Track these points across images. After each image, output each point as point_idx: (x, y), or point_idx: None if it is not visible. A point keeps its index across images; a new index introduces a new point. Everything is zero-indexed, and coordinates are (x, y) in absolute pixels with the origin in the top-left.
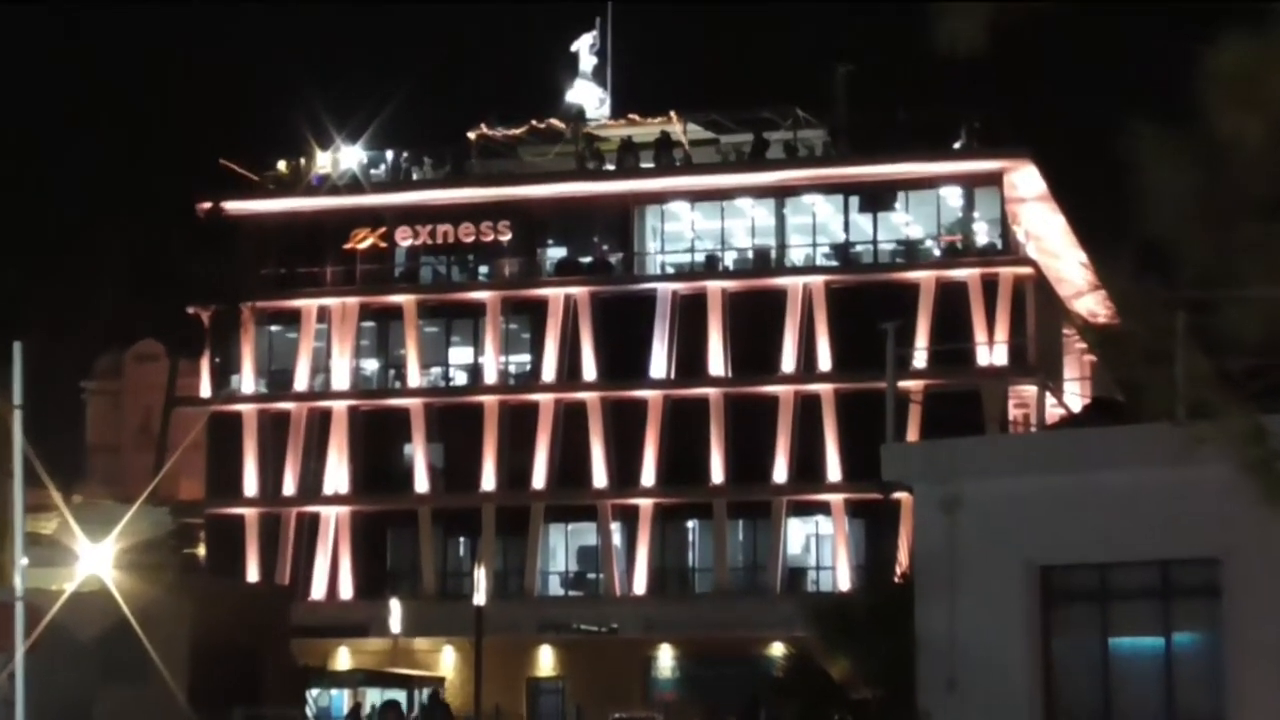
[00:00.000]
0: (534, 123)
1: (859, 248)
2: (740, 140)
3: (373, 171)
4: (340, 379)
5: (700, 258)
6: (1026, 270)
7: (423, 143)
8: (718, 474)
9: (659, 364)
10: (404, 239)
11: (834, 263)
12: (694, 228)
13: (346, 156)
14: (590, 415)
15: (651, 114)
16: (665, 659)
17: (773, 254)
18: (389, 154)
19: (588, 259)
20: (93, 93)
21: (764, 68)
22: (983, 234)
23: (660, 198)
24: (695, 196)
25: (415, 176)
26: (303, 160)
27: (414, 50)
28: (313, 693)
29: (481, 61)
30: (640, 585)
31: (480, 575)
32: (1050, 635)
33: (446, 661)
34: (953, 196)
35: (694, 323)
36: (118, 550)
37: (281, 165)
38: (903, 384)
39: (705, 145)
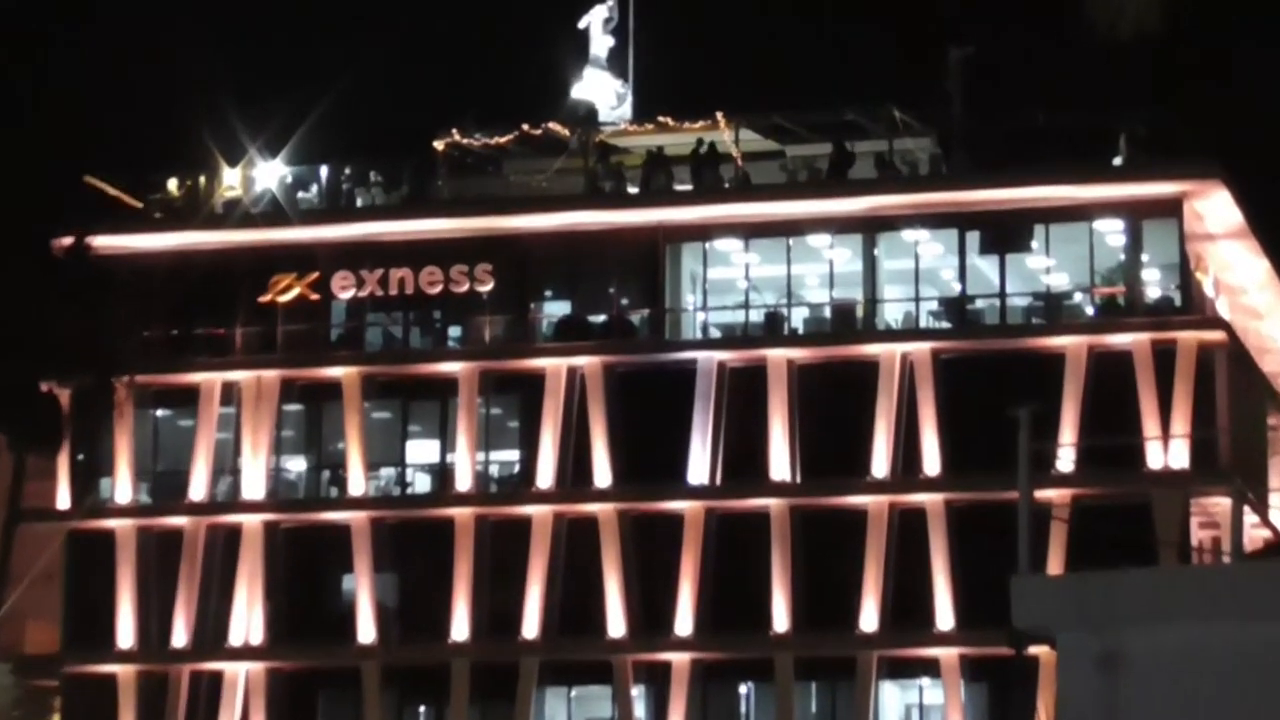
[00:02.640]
0: (526, 128)
1: (980, 303)
2: (814, 153)
3: (301, 195)
4: (254, 484)
5: (758, 316)
6: (1216, 335)
7: (371, 155)
8: (781, 619)
9: (699, 464)
10: (343, 288)
11: (945, 323)
12: (749, 274)
13: (264, 174)
14: (604, 535)
15: (690, 116)
16: None
17: (859, 311)
18: (323, 171)
19: (600, 317)
20: None
21: (845, 51)
22: (1154, 285)
23: (702, 232)
24: (751, 231)
25: (360, 202)
26: (202, 179)
27: (359, 30)
28: None
29: (453, 45)
30: None
31: None
32: None
33: None
34: (1112, 232)
35: (749, 407)
36: None
37: (173, 186)
38: (1041, 493)
39: (765, 160)
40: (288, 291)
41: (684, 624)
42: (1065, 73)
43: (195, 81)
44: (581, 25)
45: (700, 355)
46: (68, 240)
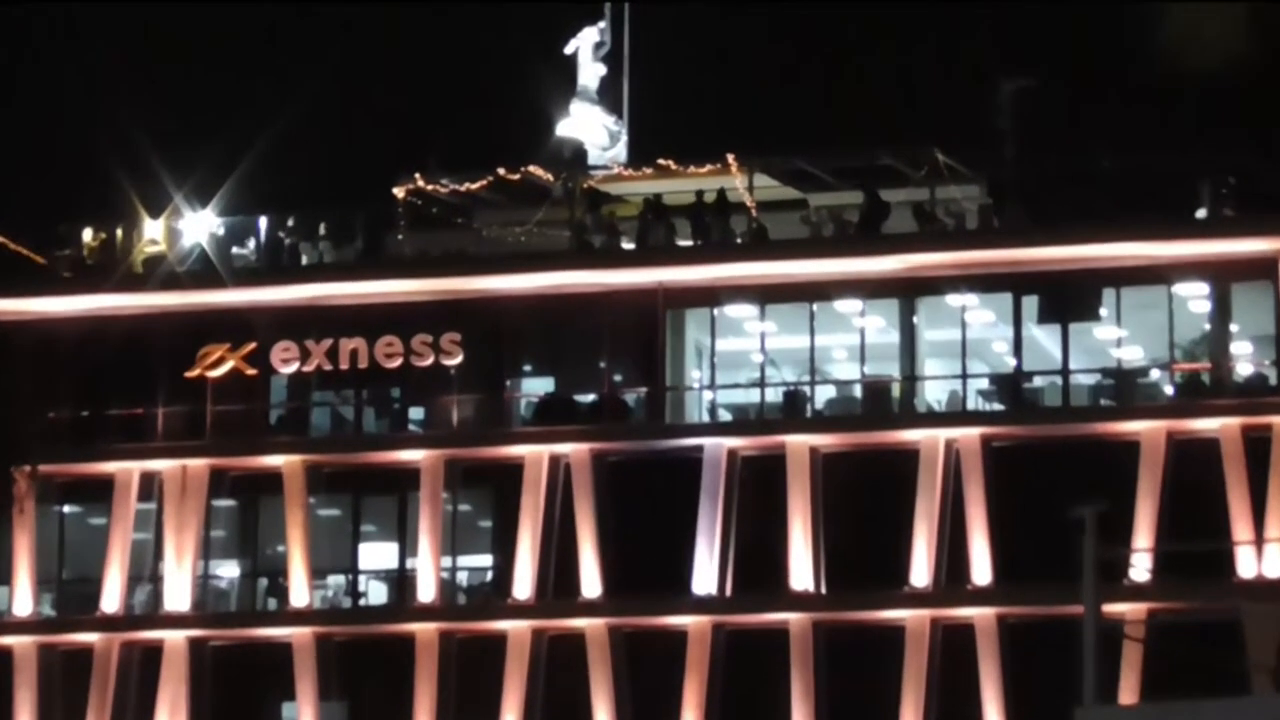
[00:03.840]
0: (501, 172)
1: (1038, 381)
2: (842, 202)
3: (235, 251)
4: (178, 594)
5: (775, 395)
6: None
7: (319, 204)
8: None
9: (706, 571)
10: (285, 362)
11: (997, 405)
12: (765, 346)
13: (192, 227)
14: (592, 656)
15: (695, 158)
16: None
17: (895, 390)
18: (262, 223)
19: (589, 396)
20: None
21: (879, 83)
22: (1245, 359)
23: (710, 295)
24: (767, 294)
25: (305, 260)
26: (119, 233)
27: (304, 58)
28: None
29: (415, 75)
30: None
31: None
32: None
33: None
34: (1194, 298)
35: (765, 503)
36: None
37: (88, 237)
38: (1110, 608)
39: (785, 210)
40: (219, 365)
41: None
42: (1138, 110)
43: (110, 117)
44: (568, 51)
45: (707, 442)
46: None
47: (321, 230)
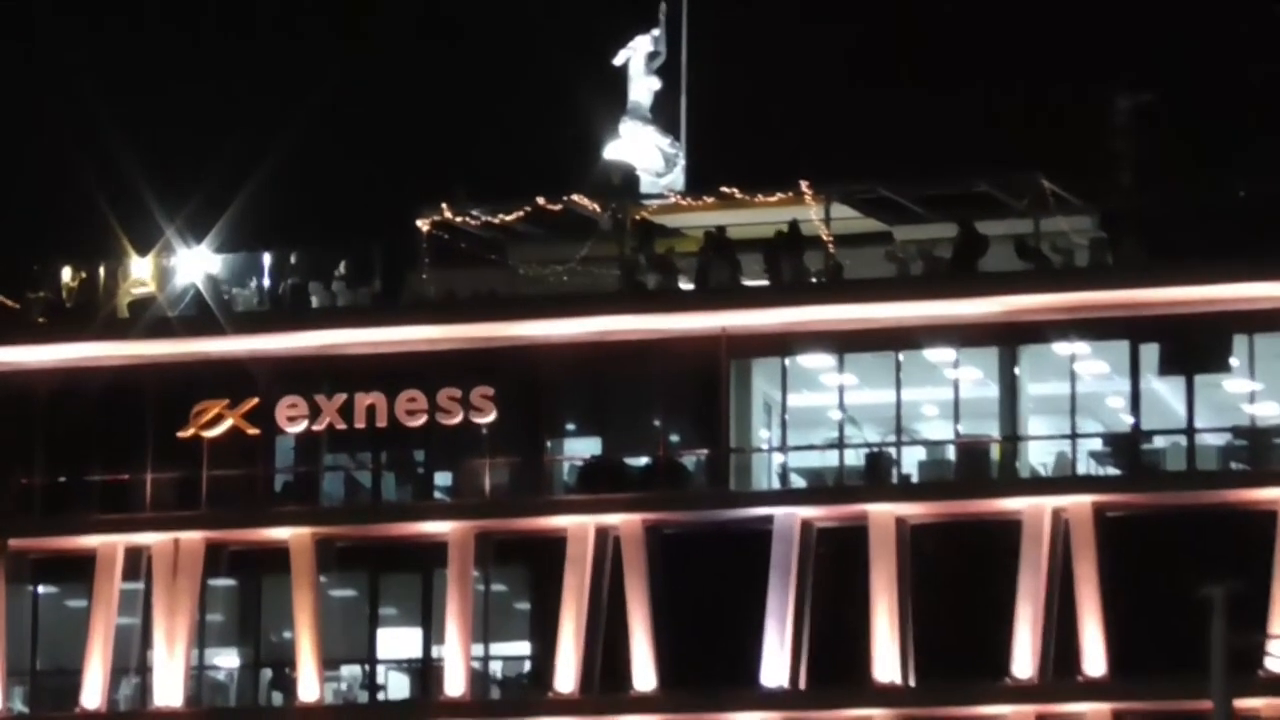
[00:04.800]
0: (541, 201)
1: (1160, 441)
2: (932, 236)
3: (235, 292)
4: (169, 687)
5: (856, 458)
6: None
7: (331, 239)
8: None
9: (776, 661)
10: (292, 420)
11: (1112, 469)
12: (844, 401)
13: (186, 265)
14: None
15: (764, 185)
16: None
17: (994, 452)
18: (265, 260)
19: (641, 460)
20: None
21: (973, 99)
22: None
23: (780, 343)
24: (847, 341)
25: (316, 302)
26: (102, 272)
27: (316, 74)
28: None
29: (441, 92)
30: None
31: None
32: None
33: None
34: None
35: (844, 581)
36: None
37: (66, 277)
38: (1243, 702)
39: (866, 245)
40: (216, 424)
41: None
42: (1275, 129)
43: (94, 139)
44: (617, 62)
45: (778, 511)
46: None
47: (335, 269)
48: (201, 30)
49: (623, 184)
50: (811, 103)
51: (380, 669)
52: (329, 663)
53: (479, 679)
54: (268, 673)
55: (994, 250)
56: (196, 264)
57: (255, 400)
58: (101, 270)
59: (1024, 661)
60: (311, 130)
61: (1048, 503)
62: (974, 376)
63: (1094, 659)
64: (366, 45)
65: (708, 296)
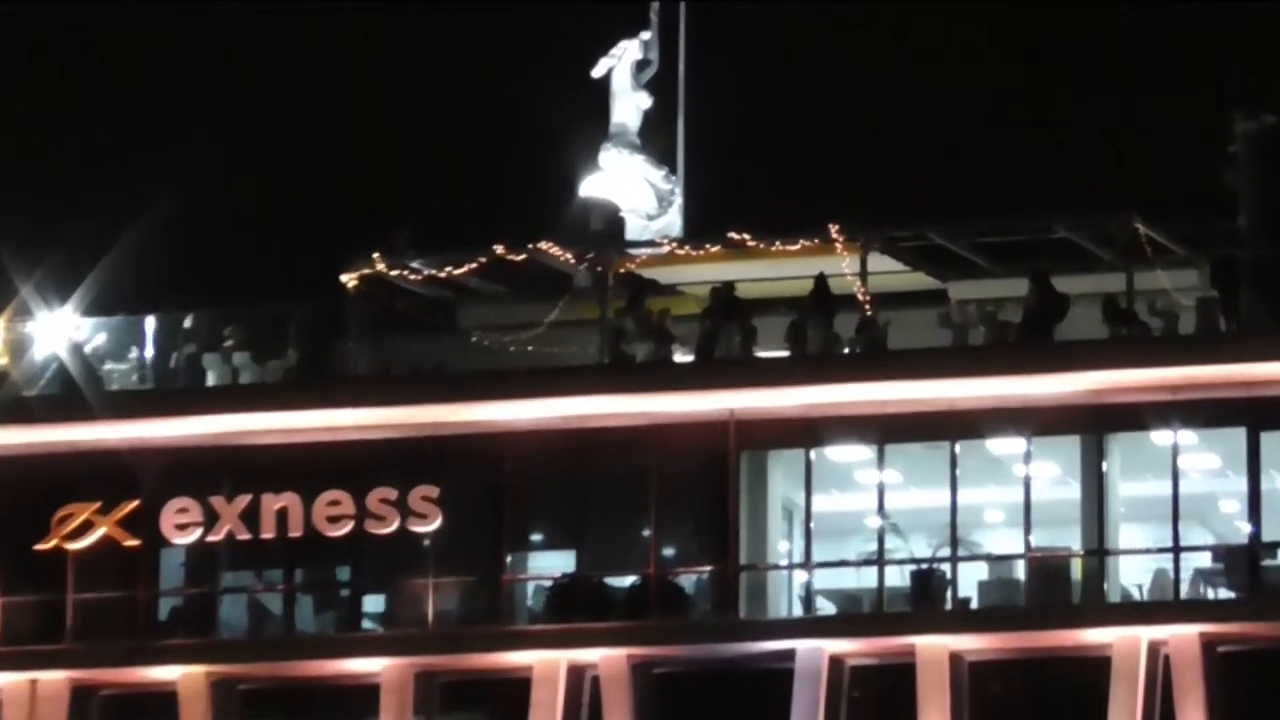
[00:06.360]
0: (499, 250)
1: None
2: (997, 294)
3: (110, 367)
4: None
5: (900, 577)
6: None
7: (232, 300)
8: None
9: None
10: (181, 528)
11: (1225, 591)
12: (885, 504)
13: (47, 331)
14: None
15: (782, 230)
16: None
17: (1076, 569)
18: (149, 325)
19: (627, 579)
20: None
21: (1049, 122)
22: None
23: (805, 431)
24: (889, 428)
25: (213, 379)
26: None
27: (216, 94)
28: None
29: (375, 110)
30: None
31: None
32: None
33: None
34: None
35: None
36: None
37: None
38: None
39: (913, 305)
40: (85, 533)
41: None
42: None
43: None
44: (597, 74)
45: (801, 645)
46: None
47: (236, 337)
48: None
49: (604, 228)
50: (844, 125)
51: None
52: None
53: None
54: None
55: (1075, 313)
56: (60, 330)
57: (135, 503)
58: None
59: None
60: (209, 161)
61: (1144, 634)
62: (1050, 473)
63: None
64: (288, 54)
65: (713, 371)
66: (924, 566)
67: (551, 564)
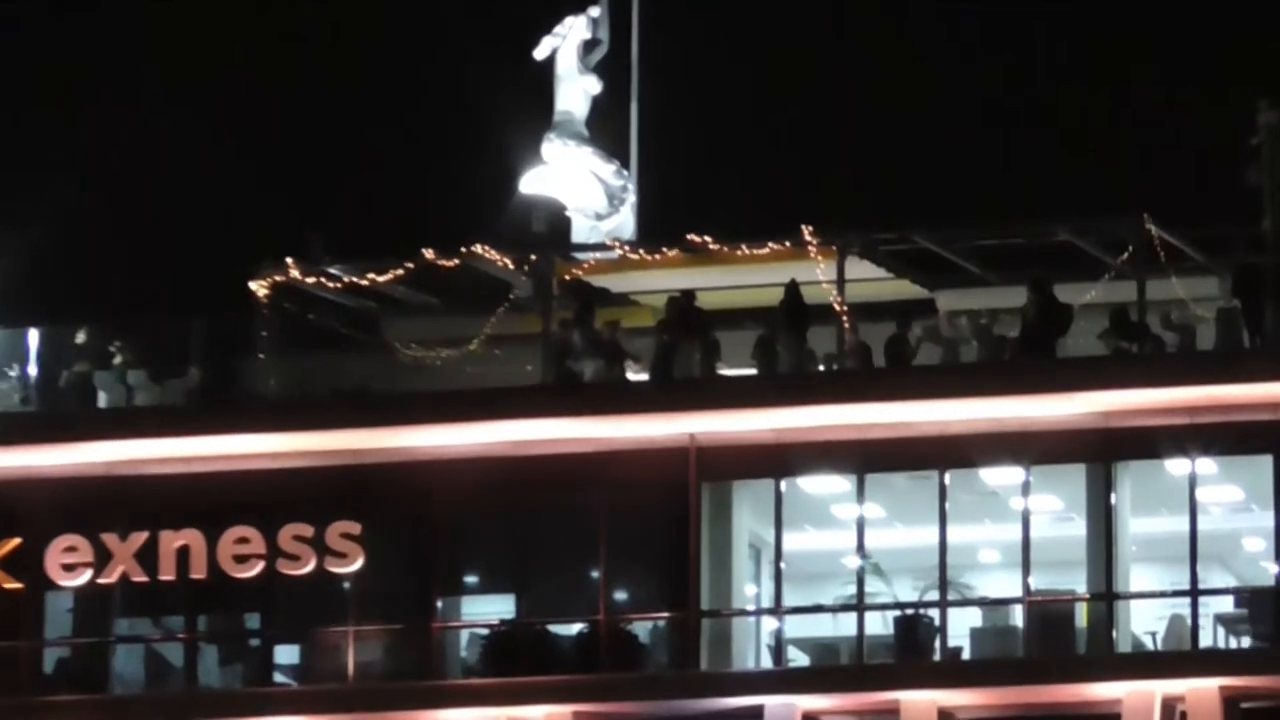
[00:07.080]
0: (428, 254)
1: None
2: (992, 304)
3: None
4: None
5: (882, 624)
6: None
7: (127, 311)
8: None
9: None
10: (69, 569)
11: (1248, 639)
12: (864, 541)
13: None
14: None
15: (749, 232)
16: None
17: (1081, 615)
18: (32, 340)
19: (574, 627)
20: None
21: (1050, 111)
22: None
23: (774, 460)
24: (869, 456)
25: (105, 401)
26: None
27: (109, 86)
28: None
29: (289, 101)
30: None
31: None
32: None
33: None
34: None
35: None
36: None
37: None
38: None
39: (895, 317)
40: None
41: None
42: None
43: None
44: (539, 55)
45: (769, 701)
46: None
47: (126, 353)
48: None
49: (547, 230)
50: (820, 114)
51: None
52: None
53: None
54: None
55: (1080, 326)
56: None
57: (16, 541)
58: None
59: None
60: (102, 160)
61: (1157, 688)
62: (1052, 507)
63: None
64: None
65: (670, 393)
66: (909, 612)
67: (488, 610)
